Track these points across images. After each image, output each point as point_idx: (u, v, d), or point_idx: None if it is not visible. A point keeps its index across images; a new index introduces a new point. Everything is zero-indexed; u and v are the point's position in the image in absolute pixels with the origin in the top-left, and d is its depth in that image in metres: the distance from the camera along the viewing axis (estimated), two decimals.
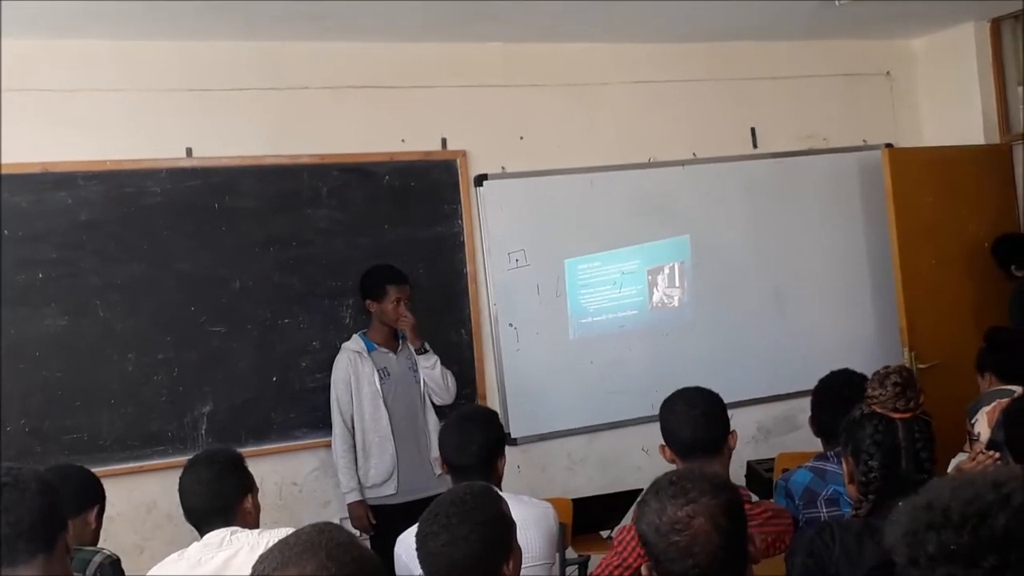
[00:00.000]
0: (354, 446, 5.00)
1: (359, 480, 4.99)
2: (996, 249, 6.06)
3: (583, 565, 4.64)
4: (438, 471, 4.60)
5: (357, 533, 4.72)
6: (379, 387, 5.00)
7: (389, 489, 4.99)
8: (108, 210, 4.89)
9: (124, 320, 4.90)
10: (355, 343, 5.07)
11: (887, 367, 2.94)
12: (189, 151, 5.04)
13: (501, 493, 3.06)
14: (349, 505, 4.99)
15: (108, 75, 4.94)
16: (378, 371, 5.02)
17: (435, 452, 4.91)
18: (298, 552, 1.81)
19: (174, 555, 3.03)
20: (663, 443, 3.26)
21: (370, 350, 5.05)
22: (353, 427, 5.01)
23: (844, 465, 2.80)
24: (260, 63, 5.21)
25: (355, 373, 5.01)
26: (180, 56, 5.06)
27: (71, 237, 4.82)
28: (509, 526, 2.43)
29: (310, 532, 1.88)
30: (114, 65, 4.95)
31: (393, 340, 5.13)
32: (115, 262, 4.89)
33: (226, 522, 3.02)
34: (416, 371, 5.12)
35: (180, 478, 3.13)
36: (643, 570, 2.12)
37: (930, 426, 2.86)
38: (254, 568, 1.84)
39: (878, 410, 2.81)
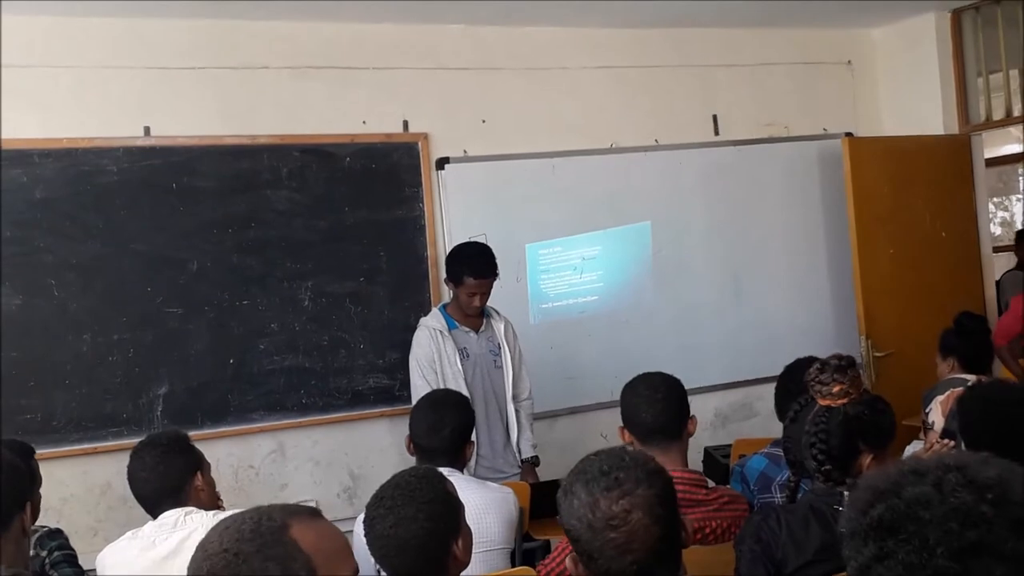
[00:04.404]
0: None
1: None
2: None
3: (542, 549, 4.64)
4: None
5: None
6: (460, 367, 4.77)
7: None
8: (64, 188, 4.82)
9: (79, 300, 4.84)
10: (436, 320, 4.84)
11: (835, 354, 2.96)
12: (147, 130, 4.98)
13: (464, 477, 3.06)
14: None
15: (65, 52, 4.86)
16: (458, 351, 4.80)
17: (514, 437, 4.89)
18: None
19: (128, 534, 3.02)
20: (622, 425, 3.27)
21: (451, 328, 4.83)
22: None
23: None
24: (220, 42, 5.15)
25: (437, 351, 4.77)
26: (139, 34, 4.99)
27: (26, 215, 4.75)
28: (456, 506, 2.44)
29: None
30: (72, 42, 4.88)
31: (475, 318, 4.89)
32: (71, 241, 4.83)
33: (177, 503, 3.00)
34: (497, 354, 4.91)
35: (127, 466, 3.11)
36: (567, 563, 1.99)
37: (837, 415, 2.75)
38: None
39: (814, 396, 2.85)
